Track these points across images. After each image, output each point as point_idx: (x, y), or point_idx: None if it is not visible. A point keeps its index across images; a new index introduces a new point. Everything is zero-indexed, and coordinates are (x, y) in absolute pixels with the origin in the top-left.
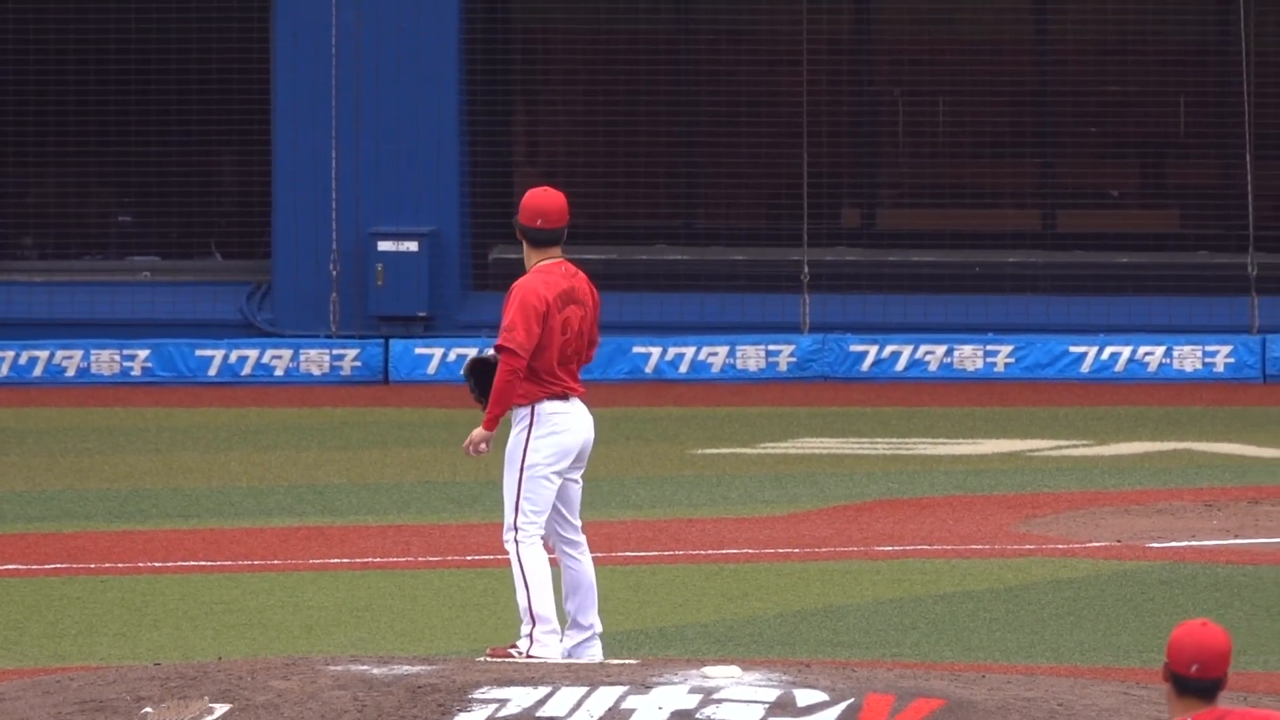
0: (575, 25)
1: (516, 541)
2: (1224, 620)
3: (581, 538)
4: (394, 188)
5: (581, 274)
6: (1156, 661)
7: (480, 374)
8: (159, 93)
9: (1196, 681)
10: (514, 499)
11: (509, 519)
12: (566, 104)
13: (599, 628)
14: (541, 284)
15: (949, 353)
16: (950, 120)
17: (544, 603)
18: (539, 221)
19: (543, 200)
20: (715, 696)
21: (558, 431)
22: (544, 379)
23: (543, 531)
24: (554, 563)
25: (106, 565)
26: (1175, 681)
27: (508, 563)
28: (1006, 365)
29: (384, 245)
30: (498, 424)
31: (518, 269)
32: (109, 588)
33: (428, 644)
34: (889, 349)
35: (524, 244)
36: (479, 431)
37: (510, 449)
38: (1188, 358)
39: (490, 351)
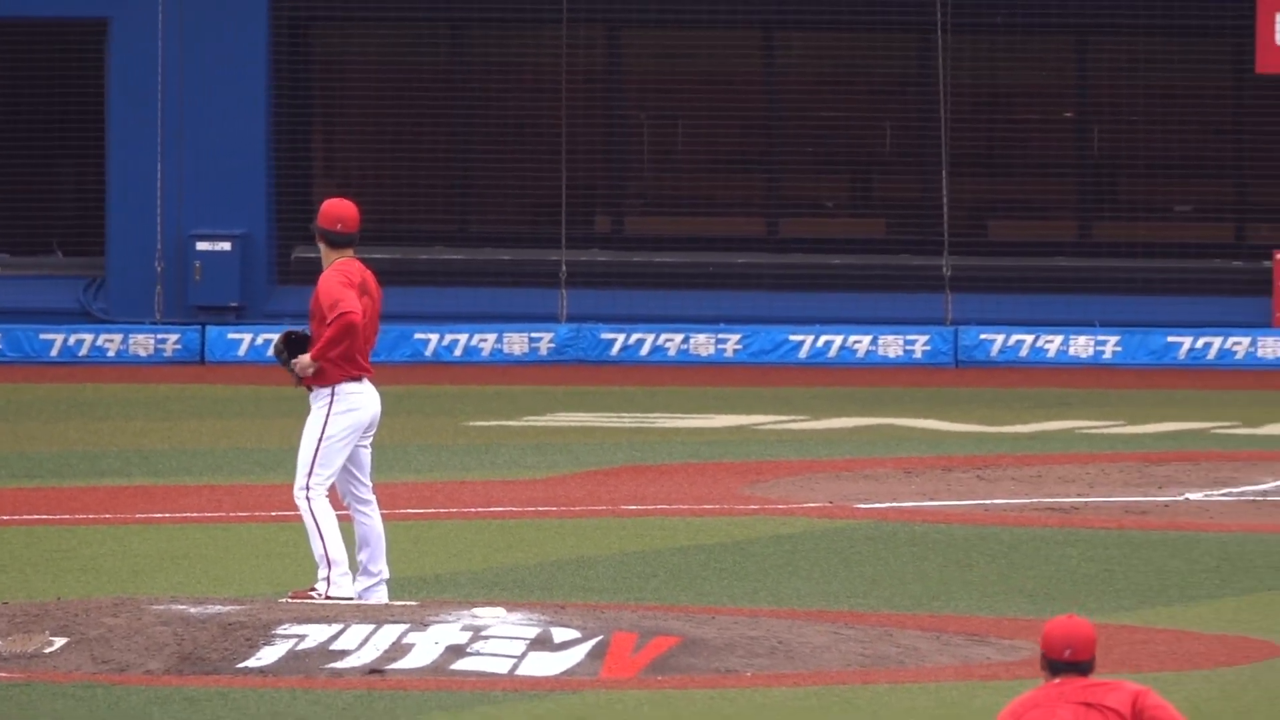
0: (367, 56)
1: (308, 498)
2: (920, 571)
3: (372, 497)
4: (210, 196)
5: (369, 270)
6: (863, 606)
7: (293, 346)
8: (7, 110)
9: (1068, 664)
10: (309, 463)
11: (301, 480)
12: (359, 124)
13: (387, 574)
14: (344, 275)
15: (685, 340)
16: (688, 140)
17: (337, 549)
18: (339, 226)
19: (340, 208)
20: (484, 633)
21: (354, 409)
22: (344, 362)
23: (328, 490)
24: (346, 518)
25: None
26: (1050, 667)
27: (298, 518)
28: (735, 351)
29: (202, 245)
30: (323, 358)
31: (316, 267)
32: None
33: (237, 587)
34: (634, 336)
35: (323, 245)
36: (306, 359)
37: (311, 421)
38: (891, 346)
39: (303, 329)
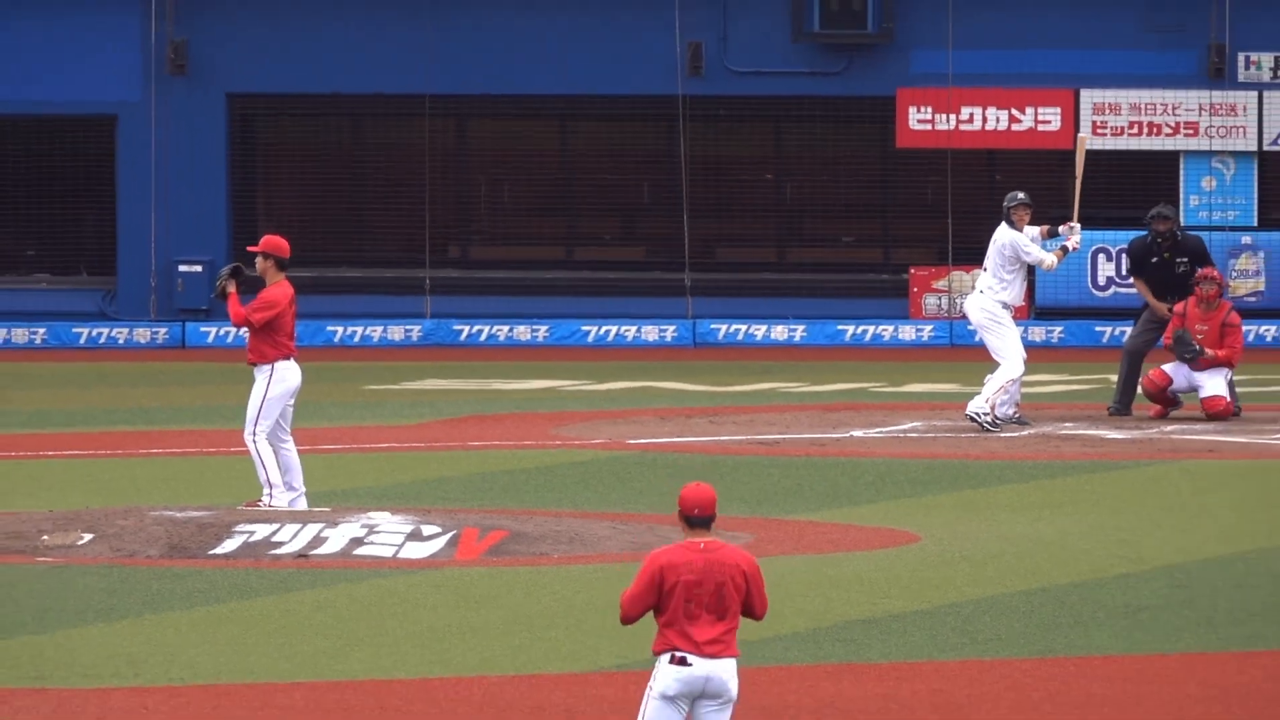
0: (295, 138)
1: (254, 440)
2: (671, 485)
3: (291, 437)
4: (188, 234)
5: (292, 288)
6: (633, 509)
7: (235, 273)
8: (50, 176)
9: (699, 519)
10: (255, 416)
11: (249, 427)
12: (289, 184)
13: (304, 489)
14: (280, 292)
15: (511, 330)
16: (513, 194)
17: (275, 474)
18: (288, 255)
19: (287, 242)
20: (376, 529)
21: (285, 379)
22: (281, 344)
23: (268, 433)
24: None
25: (10, 454)
26: (686, 521)
27: (248, 453)
28: (544, 337)
29: (182, 267)
30: (240, 316)
31: (261, 283)
32: (19, 470)
33: (209, 499)
34: (476, 327)
35: (272, 266)
36: (230, 296)
37: (256, 387)
38: (650, 333)
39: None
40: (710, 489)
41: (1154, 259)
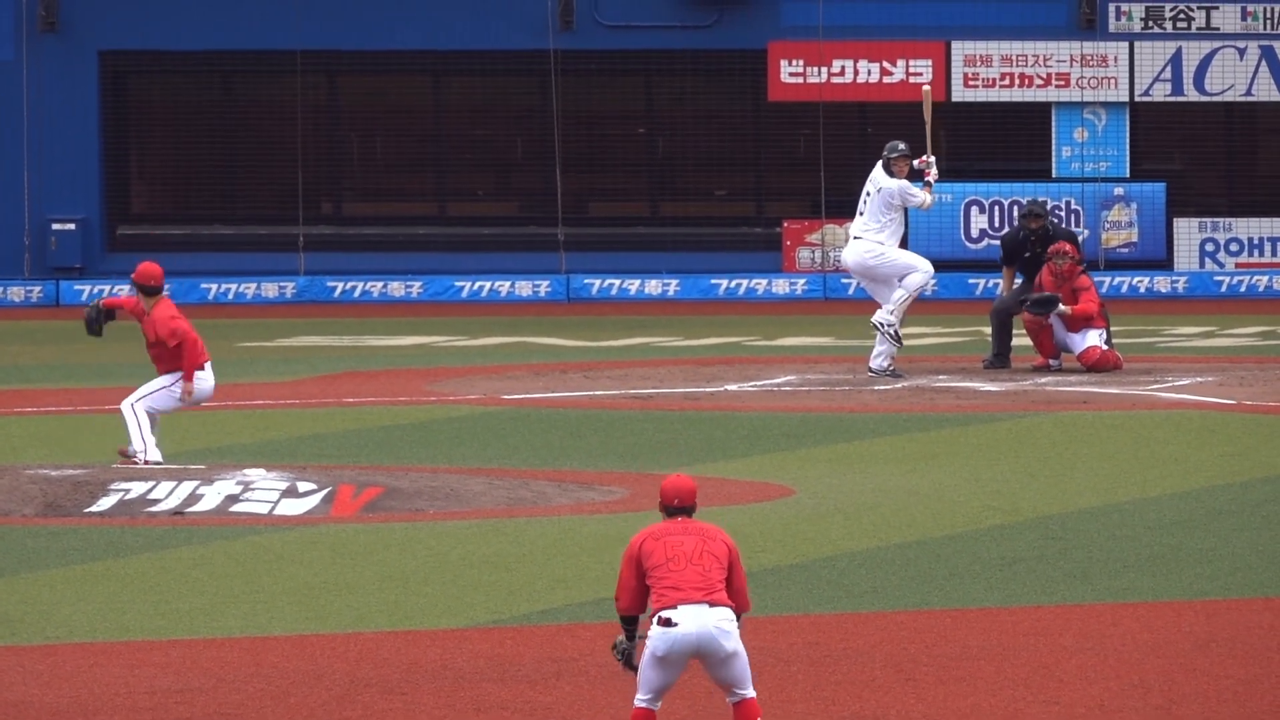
0: (166, 96)
1: (133, 409)
2: (545, 440)
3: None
4: (62, 192)
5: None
6: (508, 465)
7: (105, 313)
8: None
9: (679, 509)
10: (146, 393)
11: (135, 397)
12: (161, 142)
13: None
14: (168, 312)
15: (385, 286)
16: (384, 150)
17: (149, 436)
18: (152, 281)
19: (152, 269)
20: (252, 486)
21: (193, 390)
22: (201, 353)
23: (146, 407)
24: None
25: None
26: (665, 510)
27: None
28: (419, 293)
29: (56, 225)
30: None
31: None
32: None
33: (83, 457)
34: (350, 284)
35: (142, 295)
36: (188, 386)
37: (168, 379)
38: (523, 288)
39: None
40: (690, 481)
41: (1026, 254)
